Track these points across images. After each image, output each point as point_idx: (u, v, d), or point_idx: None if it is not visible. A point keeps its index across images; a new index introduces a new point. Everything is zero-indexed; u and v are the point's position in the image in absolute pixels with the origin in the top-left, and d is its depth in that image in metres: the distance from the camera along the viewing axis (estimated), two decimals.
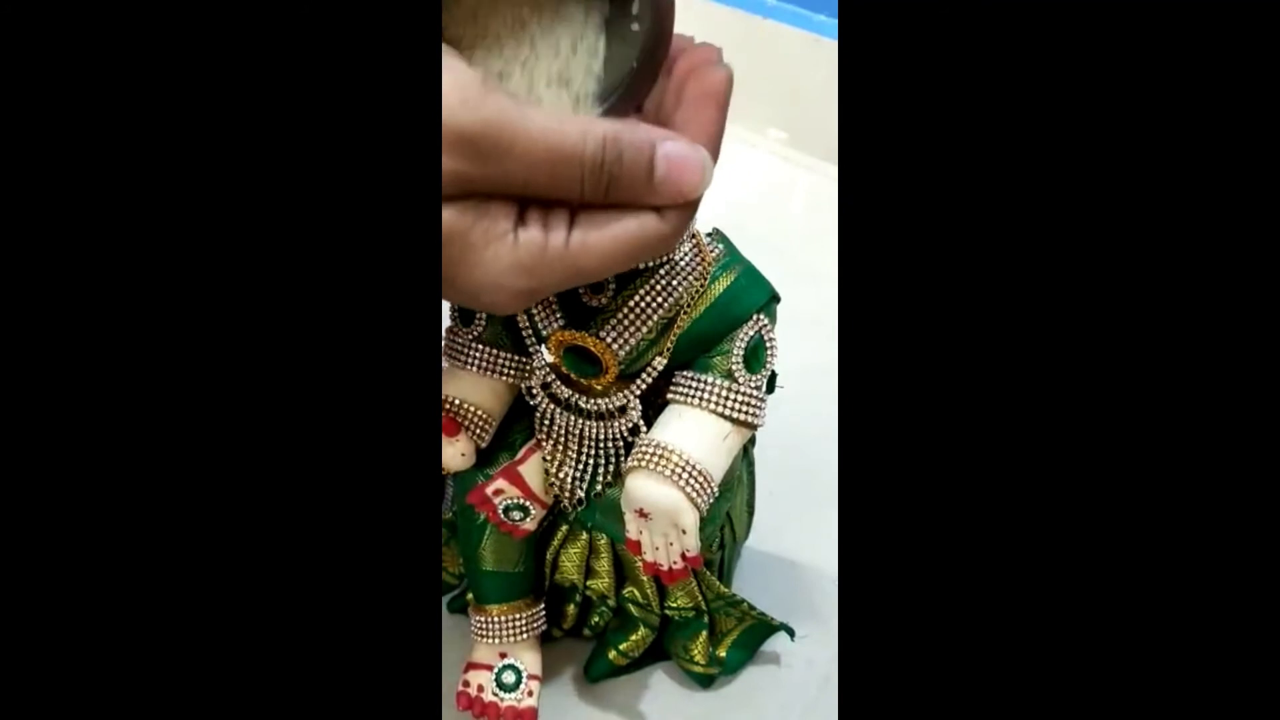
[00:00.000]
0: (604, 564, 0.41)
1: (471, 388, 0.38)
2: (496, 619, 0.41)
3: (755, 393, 0.36)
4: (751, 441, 0.40)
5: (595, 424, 0.37)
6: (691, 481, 0.34)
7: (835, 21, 0.78)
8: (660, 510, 0.34)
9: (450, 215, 0.25)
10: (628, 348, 0.35)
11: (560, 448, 0.38)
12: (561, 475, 0.38)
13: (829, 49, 0.78)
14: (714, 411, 0.35)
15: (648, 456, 0.34)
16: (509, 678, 0.41)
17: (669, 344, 0.35)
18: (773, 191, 0.77)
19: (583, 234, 0.26)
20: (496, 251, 0.26)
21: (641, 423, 0.37)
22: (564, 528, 0.41)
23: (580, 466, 0.38)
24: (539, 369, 0.37)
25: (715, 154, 0.28)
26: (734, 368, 0.35)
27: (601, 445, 0.38)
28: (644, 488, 0.34)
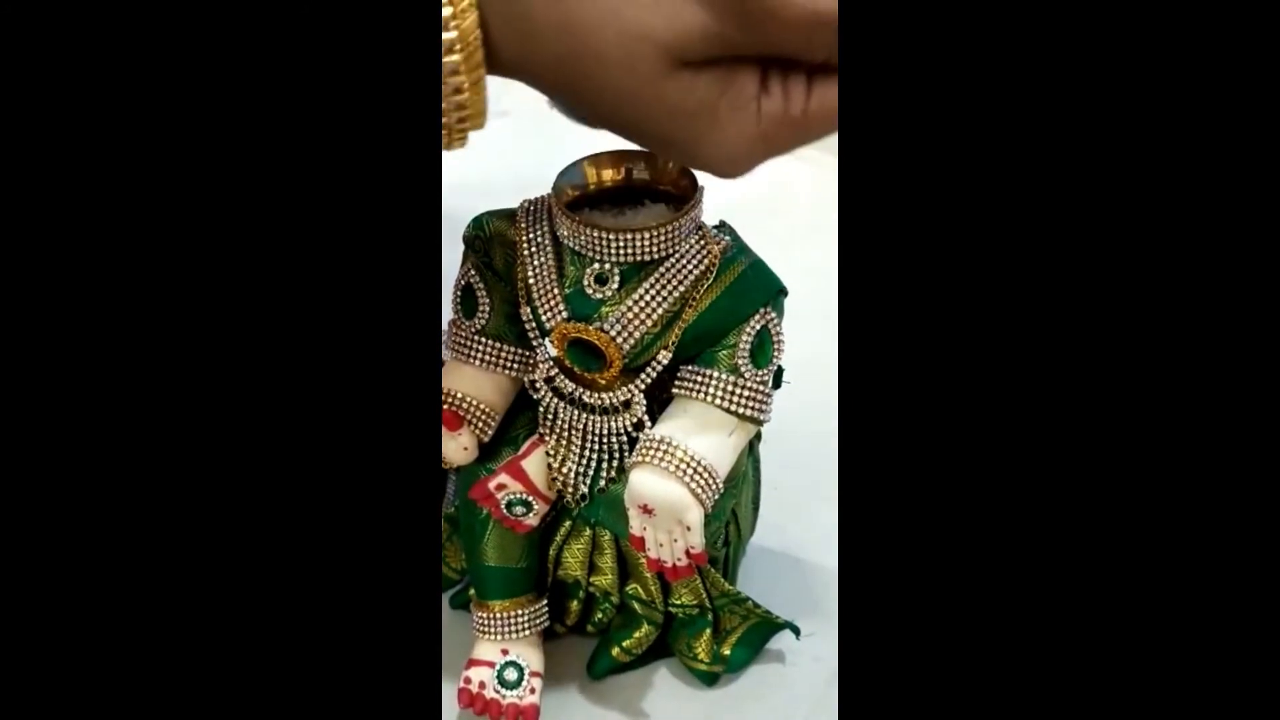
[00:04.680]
0: (607, 560, 0.41)
1: (474, 381, 0.38)
2: (499, 615, 0.41)
3: (761, 388, 0.35)
4: (757, 437, 0.40)
5: (599, 418, 0.37)
6: (696, 477, 0.34)
7: None
8: (664, 506, 0.34)
9: (703, 86, 0.25)
10: (632, 341, 0.34)
11: (563, 442, 0.38)
12: (564, 470, 0.38)
13: None
14: (720, 406, 0.35)
15: (652, 452, 0.34)
16: (511, 675, 0.41)
17: (674, 338, 0.35)
18: (776, 185, 0.76)
19: (820, 98, 0.27)
20: (741, 124, 0.26)
21: (646, 417, 0.36)
22: (567, 523, 0.41)
23: (583, 461, 0.38)
24: (542, 363, 0.37)
25: None
26: (740, 362, 0.35)
27: (605, 440, 0.37)
28: (648, 483, 0.34)
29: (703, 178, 0.36)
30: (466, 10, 0.24)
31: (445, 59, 0.24)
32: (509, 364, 0.38)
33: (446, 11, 0.24)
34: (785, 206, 0.74)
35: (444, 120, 0.25)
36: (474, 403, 0.37)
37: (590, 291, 0.34)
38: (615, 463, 0.38)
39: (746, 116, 0.26)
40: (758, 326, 0.35)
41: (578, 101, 0.27)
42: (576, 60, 0.25)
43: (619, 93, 0.25)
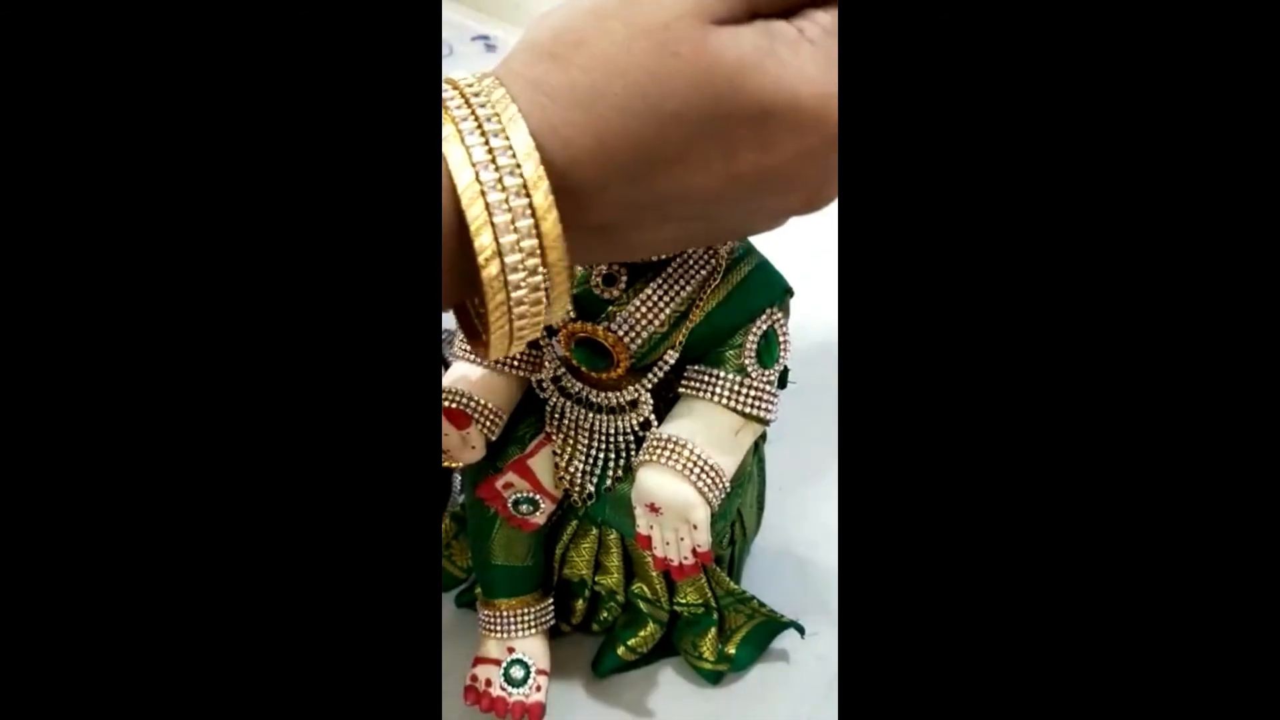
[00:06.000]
0: (613, 559, 0.41)
1: (482, 380, 0.38)
2: (505, 613, 0.41)
3: (768, 387, 0.35)
4: (763, 437, 0.40)
5: (606, 418, 0.37)
6: (703, 476, 0.34)
7: None
8: (671, 505, 0.34)
9: (748, 35, 0.24)
10: (639, 340, 0.35)
11: (570, 441, 0.38)
12: (571, 469, 0.38)
13: None
14: (726, 406, 0.35)
15: (659, 451, 0.34)
16: (517, 672, 0.41)
17: (681, 337, 0.35)
18: None
19: (830, 14, 0.26)
20: (804, 56, 0.25)
21: (653, 417, 0.36)
22: (573, 522, 0.41)
23: (590, 460, 0.38)
24: (550, 362, 0.37)
25: None
26: (746, 362, 0.35)
27: (612, 439, 0.38)
28: (655, 482, 0.34)
29: None
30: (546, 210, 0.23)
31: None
32: (516, 363, 0.38)
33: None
34: None
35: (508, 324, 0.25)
36: (481, 401, 0.37)
37: (598, 291, 0.34)
38: (622, 462, 0.38)
39: (804, 47, 0.25)
40: (764, 327, 0.35)
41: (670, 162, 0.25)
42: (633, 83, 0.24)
43: (678, 85, 0.24)
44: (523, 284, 0.24)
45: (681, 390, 0.36)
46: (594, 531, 0.41)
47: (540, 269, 0.24)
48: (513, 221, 0.23)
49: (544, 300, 0.25)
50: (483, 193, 0.23)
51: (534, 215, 0.24)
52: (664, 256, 0.34)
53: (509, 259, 0.24)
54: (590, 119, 0.24)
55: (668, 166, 0.25)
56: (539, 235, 0.24)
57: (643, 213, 0.26)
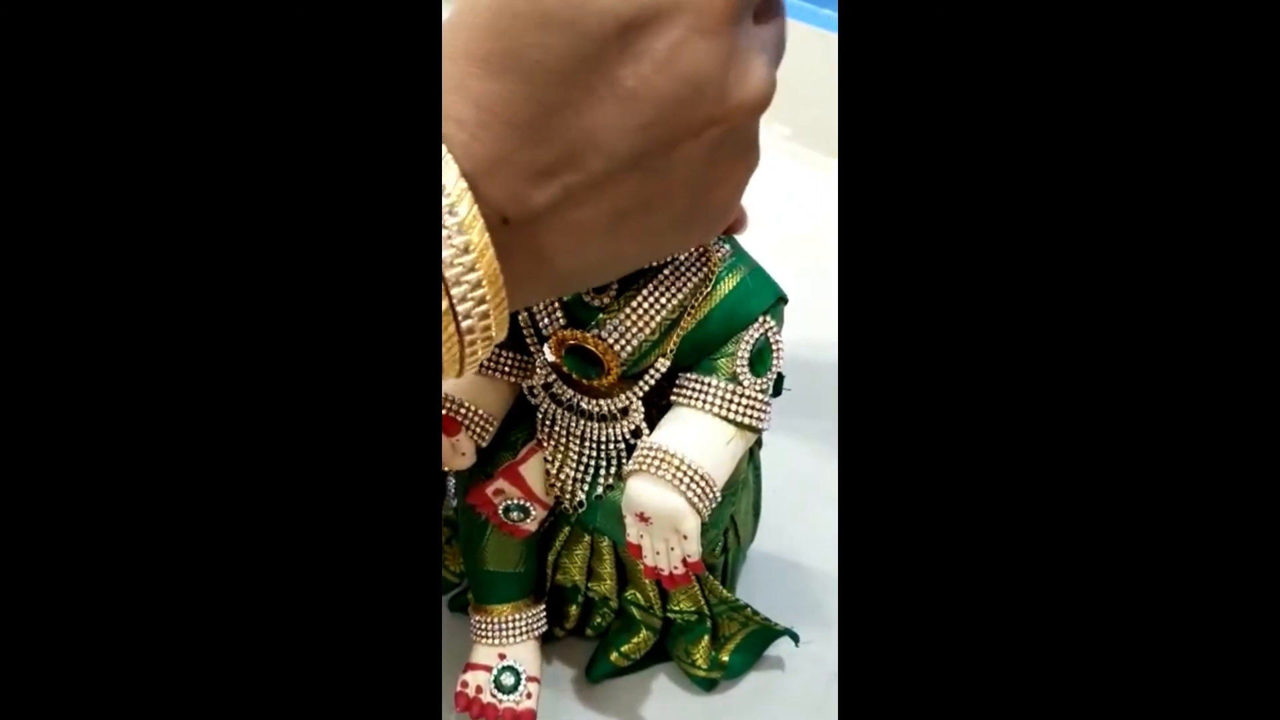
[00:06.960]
0: (606, 566, 0.41)
1: (472, 386, 0.38)
2: (496, 619, 0.41)
3: (760, 396, 0.35)
4: (758, 444, 0.40)
5: (597, 425, 0.37)
6: (693, 486, 0.34)
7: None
8: (661, 515, 0.34)
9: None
10: (630, 348, 0.34)
11: (561, 448, 0.38)
12: (562, 476, 0.38)
13: (834, 44, 0.77)
14: (717, 415, 0.35)
15: (649, 460, 0.34)
16: (508, 679, 0.41)
17: (672, 345, 0.35)
18: (777, 188, 0.76)
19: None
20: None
21: (644, 425, 0.36)
22: (566, 529, 0.41)
23: (581, 468, 0.38)
24: (540, 369, 0.37)
25: None
26: (739, 370, 0.35)
27: (603, 447, 0.37)
28: (645, 492, 0.34)
29: None
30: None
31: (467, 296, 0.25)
32: (507, 369, 0.38)
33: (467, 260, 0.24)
34: (788, 210, 0.74)
35: (457, 350, 0.26)
36: (472, 408, 0.37)
37: (588, 299, 0.34)
38: (614, 469, 0.37)
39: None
40: (756, 335, 0.35)
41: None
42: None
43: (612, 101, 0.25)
44: (456, 263, 0.24)
45: (673, 398, 0.36)
46: (586, 538, 0.41)
47: (471, 246, 0.24)
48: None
49: (485, 295, 0.25)
50: None
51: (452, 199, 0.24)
52: (652, 263, 0.34)
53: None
54: (465, 95, 0.24)
55: (559, 115, 0.25)
56: (461, 226, 0.24)
57: (564, 174, 0.26)
